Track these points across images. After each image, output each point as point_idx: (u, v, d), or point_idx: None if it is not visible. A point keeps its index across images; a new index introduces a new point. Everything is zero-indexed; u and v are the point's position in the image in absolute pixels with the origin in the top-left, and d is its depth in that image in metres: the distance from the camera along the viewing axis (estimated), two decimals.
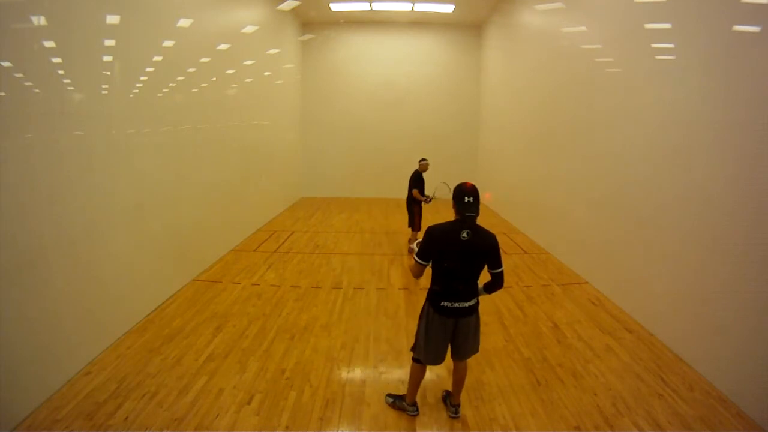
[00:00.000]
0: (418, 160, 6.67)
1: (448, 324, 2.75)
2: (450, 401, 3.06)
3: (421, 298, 5.01)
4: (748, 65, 3.13)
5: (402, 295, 5.13)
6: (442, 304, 2.71)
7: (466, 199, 2.58)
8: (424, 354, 2.85)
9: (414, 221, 6.68)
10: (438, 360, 2.85)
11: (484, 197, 11.37)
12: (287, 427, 2.87)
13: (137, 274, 4.32)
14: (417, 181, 6.58)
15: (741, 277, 3.16)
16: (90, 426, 2.83)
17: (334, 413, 3.02)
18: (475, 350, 2.90)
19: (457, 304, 2.70)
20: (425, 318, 2.81)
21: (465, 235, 2.59)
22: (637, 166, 4.50)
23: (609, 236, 5.06)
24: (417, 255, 2.71)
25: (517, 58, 8.88)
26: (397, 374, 3.52)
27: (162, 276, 4.84)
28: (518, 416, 2.99)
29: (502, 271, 2.72)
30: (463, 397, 3.16)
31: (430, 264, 2.72)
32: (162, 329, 4.17)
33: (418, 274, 2.77)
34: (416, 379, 2.96)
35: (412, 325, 4.34)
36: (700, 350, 3.54)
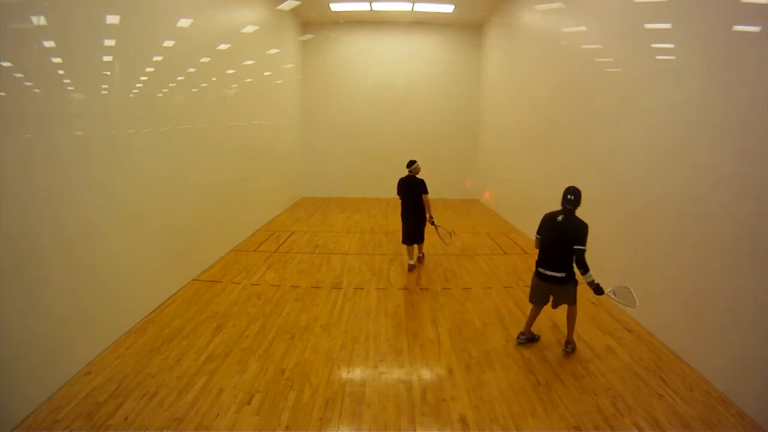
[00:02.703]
0: (408, 163, 5.90)
1: (542, 286, 3.73)
2: (566, 340, 3.84)
3: (421, 298, 5.06)
4: (748, 65, 3.13)
5: (402, 295, 5.13)
6: (538, 269, 3.73)
7: (568, 196, 3.64)
8: (530, 296, 3.91)
9: (422, 233, 5.98)
10: (539, 303, 3.86)
11: (483, 197, 11.41)
12: (287, 427, 2.87)
13: (137, 274, 4.32)
14: (422, 185, 5.79)
15: (741, 277, 3.16)
16: (90, 426, 2.83)
17: (334, 413, 3.02)
18: (572, 302, 3.74)
19: (549, 272, 3.65)
20: (534, 275, 3.82)
21: (560, 219, 3.63)
22: (636, 165, 4.50)
23: (608, 236, 5.06)
24: (537, 232, 3.79)
25: (517, 58, 8.87)
26: (397, 374, 3.52)
27: (162, 276, 4.84)
28: (518, 416, 2.99)
29: (581, 249, 3.53)
30: (463, 398, 3.17)
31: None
32: (162, 329, 4.17)
33: (536, 245, 3.82)
34: (531, 316, 3.94)
35: (412, 325, 4.37)
36: (700, 350, 3.54)
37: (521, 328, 4.13)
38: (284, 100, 10.19)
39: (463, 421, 2.96)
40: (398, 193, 5.92)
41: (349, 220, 9.20)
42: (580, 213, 3.69)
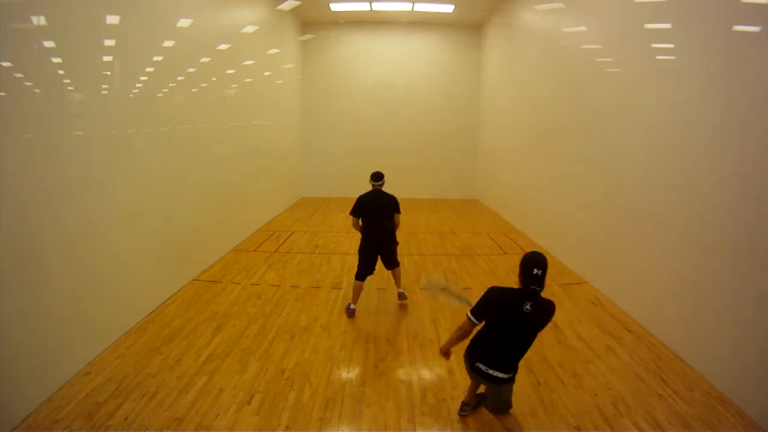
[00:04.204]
0: (375, 175, 4.70)
1: (478, 380, 2.70)
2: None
3: (421, 298, 5.05)
4: (748, 65, 3.13)
5: None
6: (476, 364, 2.60)
7: (535, 271, 2.48)
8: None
9: (395, 256, 4.77)
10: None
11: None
12: (287, 427, 2.87)
13: (137, 274, 4.32)
14: (396, 202, 4.65)
15: (741, 277, 3.16)
16: (90, 426, 2.83)
17: (334, 413, 3.02)
18: (508, 408, 2.71)
19: (493, 372, 2.56)
20: (467, 366, 2.71)
21: (528, 307, 2.48)
22: (636, 165, 4.50)
23: (608, 236, 5.06)
24: (472, 312, 2.63)
25: (517, 58, 8.87)
26: (397, 374, 3.52)
27: (162, 276, 4.84)
28: (518, 416, 2.97)
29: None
30: (463, 397, 3.16)
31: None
32: (162, 329, 4.17)
33: (467, 333, 2.66)
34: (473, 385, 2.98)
35: (412, 325, 4.36)
36: (700, 350, 3.54)
37: None
38: (284, 100, 10.19)
39: (463, 421, 2.96)
40: (358, 213, 4.52)
41: (350, 220, 9.18)
42: None
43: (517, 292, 2.53)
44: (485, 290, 2.64)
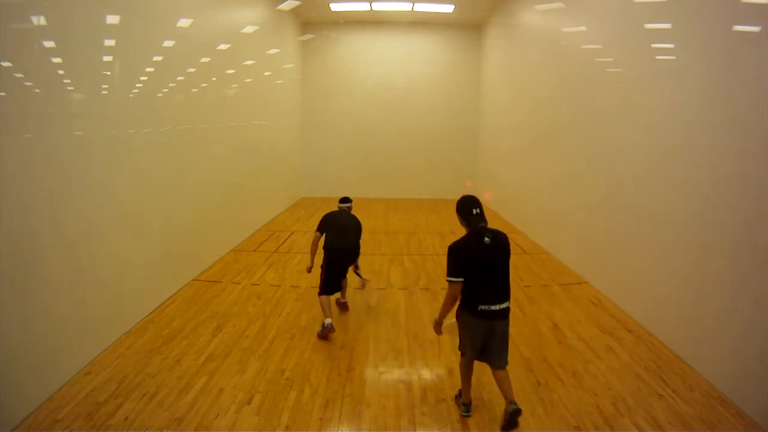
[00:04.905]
0: (344, 199, 4.74)
1: (483, 326, 2.78)
2: (507, 401, 2.81)
3: (420, 298, 5.05)
4: (748, 65, 3.13)
5: (402, 295, 5.13)
6: (480, 308, 2.74)
7: (474, 211, 2.78)
8: (466, 346, 2.92)
9: (346, 271, 4.57)
10: (475, 350, 2.89)
11: (483, 197, 11.39)
12: (287, 427, 2.87)
13: (137, 274, 4.32)
14: (360, 225, 4.62)
15: (741, 277, 3.16)
16: (90, 426, 2.83)
17: (334, 413, 3.02)
18: (505, 361, 2.86)
19: (497, 307, 2.75)
20: (463, 322, 2.86)
21: (487, 239, 2.73)
22: (636, 165, 4.50)
23: (609, 236, 5.06)
24: (449, 275, 2.78)
25: (517, 58, 8.87)
26: (397, 374, 3.52)
27: (162, 276, 4.84)
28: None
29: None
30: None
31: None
32: (162, 329, 4.17)
33: (456, 295, 2.79)
34: (467, 374, 3.00)
35: (412, 326, 4.36)
36: (700, 350, 3.54)
37: (521, 327, 4.12)
38: (284, 100, 10.19)
39: (463, 421, 2.96)
40: (323, 230, 4.40)
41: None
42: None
43: (470, 235, 2.80)
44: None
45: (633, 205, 4.54)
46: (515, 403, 2.76)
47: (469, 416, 2.99)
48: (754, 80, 3.08)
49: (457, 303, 2.86)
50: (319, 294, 4.22)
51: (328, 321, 4.00)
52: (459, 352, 3.05)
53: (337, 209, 4.64)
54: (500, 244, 2.78)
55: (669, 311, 3.95)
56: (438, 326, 2.99)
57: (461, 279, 2.76)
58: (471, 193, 2.90)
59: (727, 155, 3.31)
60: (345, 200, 4.77)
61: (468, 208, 2.80)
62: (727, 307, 3.28)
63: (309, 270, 4.44)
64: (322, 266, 4.35)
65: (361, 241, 4.61)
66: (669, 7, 4.05)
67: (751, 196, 3.09)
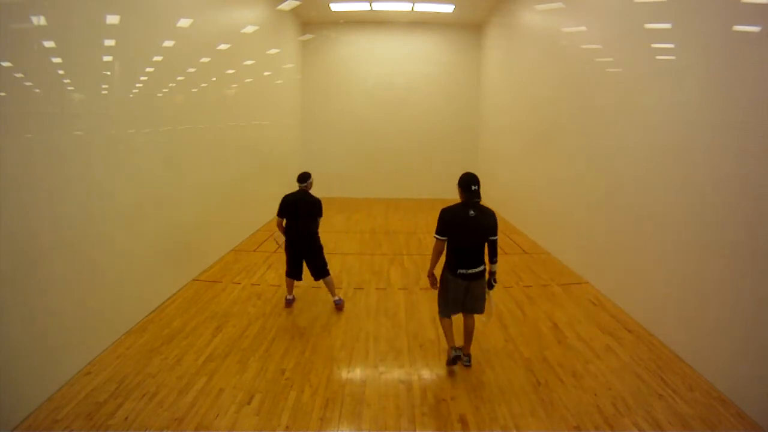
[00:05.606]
0: (302, 176, 4.68)
1: (461, 286, 3.37)
2: (462, 352, 3.54)
3: (420, 298, 5.05)
4: (748, 65, 3.13)
5: (402, 295, 5.13)
6: (459, 271, 3.33)
7: (473, 187, 3.27)
8: (446, 309, 3.50)
9: (324, 265, 4.70)
10: (456, 311, 3.49)
11: None
12: (287, 427, 2.87)
13: (137, 274, 4.32)
14: (320, 205, 4.73)
15: (741, 277, 3.16)
16: (90, 426, 2.83)
17: (334, 413, 3.02)
18: (481, 310, 3.48)
19: (471, 270, 3.33)
20: (445, 281, 3.44)
21: (472, 212, 3.24)
22: (636, 165, 4.50)
23: (609, 236, 5.06)
24: (436, 233, 3.35)
25: (517, 58, 8.87)
26: (397, 374, 3.52)
27: (162, 276, 4.84)
28: (518, 416, 2.99)
29: (496, 239, 3.34)
30: (463, 398, 3.18)
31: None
32: (162, 329, 4.17)
33: (440, 250, 3.38)
34: (447, 328, 3.53)
35: (412, 326, 4.36)
36: (700, 350, 3.54)
37: (521, 327, 4.12)
38: (284, 100, 10.19)
39: (463, 421, 2.96)
40: (283, 214, 4.48)
41: (349, 220, 9.20)
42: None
43: (462, 205, 3.30)
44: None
45: (633, 205, 4.54)
46: (465, 355, 3.54)
47: (459, 356, 3.46)
48: (754, 80, 3.08)
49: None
50: (285, 275, 4.70)
51: (288, 297, 4.73)
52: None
53: (297, 189, 4.64)
54: (484, 220, 3.27)
55: (669, 311, 3.95)
56: (431, 276, 3.53)
57: (445, 238, 3.33)
58: (470, 172, 3.38)
59: (727, 155, 3.31)
60: (302, 178, 4.67)
61: (468, 183, 3.28)
62: (727, 307, 3.28)
63: (281, 247, 4.71)
64: (285, 248, 4.63)
65: (320, 219, 4.78)
66: (669, 7, 4.05)
67: (751, 196, 3.09)
